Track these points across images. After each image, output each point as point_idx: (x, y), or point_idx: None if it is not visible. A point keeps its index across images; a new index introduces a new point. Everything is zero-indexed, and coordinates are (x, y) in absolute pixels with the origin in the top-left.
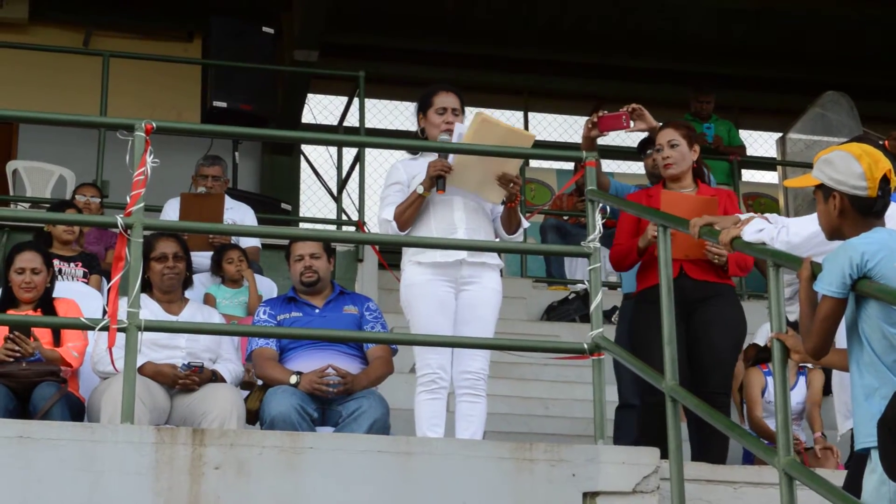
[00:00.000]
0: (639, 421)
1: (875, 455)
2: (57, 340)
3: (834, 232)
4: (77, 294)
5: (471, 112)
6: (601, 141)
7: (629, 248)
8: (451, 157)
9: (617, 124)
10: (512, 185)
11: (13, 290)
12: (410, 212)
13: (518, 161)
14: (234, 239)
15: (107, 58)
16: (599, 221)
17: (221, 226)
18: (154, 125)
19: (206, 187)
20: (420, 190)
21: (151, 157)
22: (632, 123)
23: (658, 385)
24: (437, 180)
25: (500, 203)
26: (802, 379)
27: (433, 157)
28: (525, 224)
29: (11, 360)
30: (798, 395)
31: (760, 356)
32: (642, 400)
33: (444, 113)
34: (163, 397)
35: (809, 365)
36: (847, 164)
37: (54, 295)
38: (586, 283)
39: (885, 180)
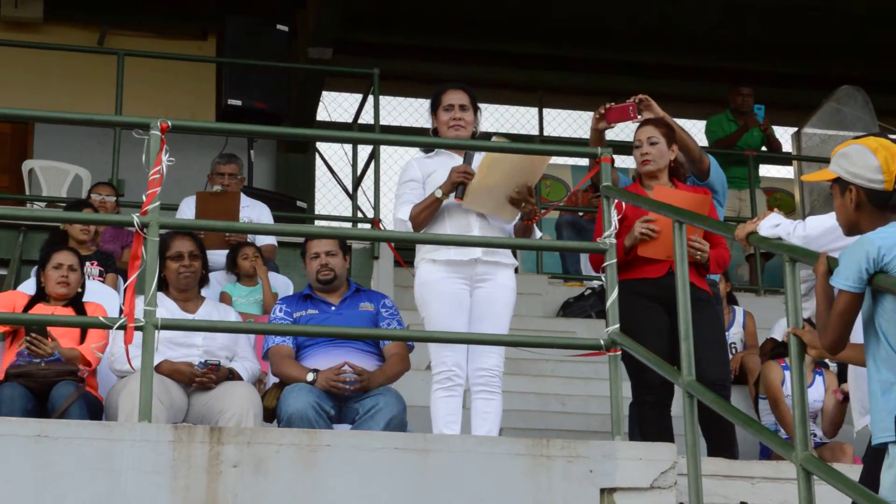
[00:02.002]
0: (637, 419)
1: (893, 450)
2: (83, 341)
3: (851, 226)
4: (93, 293)
5: (485, 108)
6: (611, 136)
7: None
8: (475, 161)
9: (624, 115)
10: (524, 204)
11: (47, 288)
12: (426, 214)
13: (535, 176)
14: (250, 237)
15: (121, 57)
16: (615, 217)
17: (238, 224)
18: (169, 124)
19: (223, 185)
20: (438, 194)
21: (167, 155)
22: (639, 115)
23: (675, 380)
24: (457, 187)
25: (517, 219)
26: (819, 378)
27: (447, 155)
28: (538, 234)
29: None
30: (815, 392)
31: (776, 350)
32: (639, 398)
33: (451, 109)
34: (180, 395)
35: (828, 363)
36: (863, 157)
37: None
38: (603, 278)
39: None
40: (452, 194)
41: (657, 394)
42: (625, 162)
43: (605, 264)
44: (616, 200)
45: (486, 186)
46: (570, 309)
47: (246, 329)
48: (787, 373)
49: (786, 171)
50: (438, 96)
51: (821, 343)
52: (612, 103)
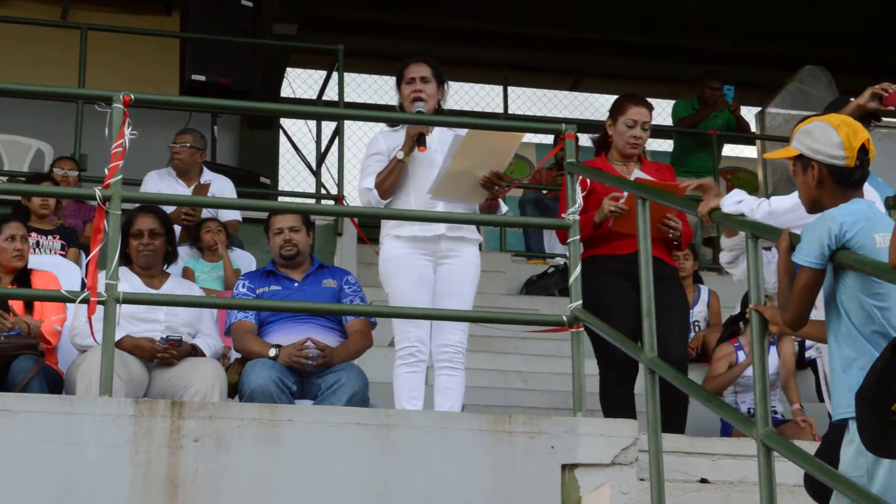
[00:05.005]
0: (600, 395)
1: (853, 426)
2: (29, 313)
3: (813, 203)
4: (55, 267)
5: (452, 84)
6: (574, 113)
7: (582, 222)
8: (444, 145)
9: None
10: (497, 188)
11: None
12: (391, 179)
13: (506, 160)
14: (213, 213)
15: (84, 31)
16: (579, 194)
17: (202, 198)
18: (132, 97)
19: (176, 155)
20: (400, 156)
21: (130, 129)
22: None
23: (637, 356)
24: (418, 138)
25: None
26: (773, 349)
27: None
28: (504, 209)
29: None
30: (770, 365)
31: (730, 329)
32: (603, 375)
33: (413, 82)
34: (140, 371)
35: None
36: (825, 133)
37: (33, 267)
38: (567, 256)
39: (863, 150)
40: (416, 149)
41: (621, 371)
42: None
43: (568, 241)
44: (580, 177)
45: (457, 173)
46: (533, 287)
47: (208, 303)
48: (741, 353)
49: (749, 151)
50: (402, 70)
51: (782, 319)
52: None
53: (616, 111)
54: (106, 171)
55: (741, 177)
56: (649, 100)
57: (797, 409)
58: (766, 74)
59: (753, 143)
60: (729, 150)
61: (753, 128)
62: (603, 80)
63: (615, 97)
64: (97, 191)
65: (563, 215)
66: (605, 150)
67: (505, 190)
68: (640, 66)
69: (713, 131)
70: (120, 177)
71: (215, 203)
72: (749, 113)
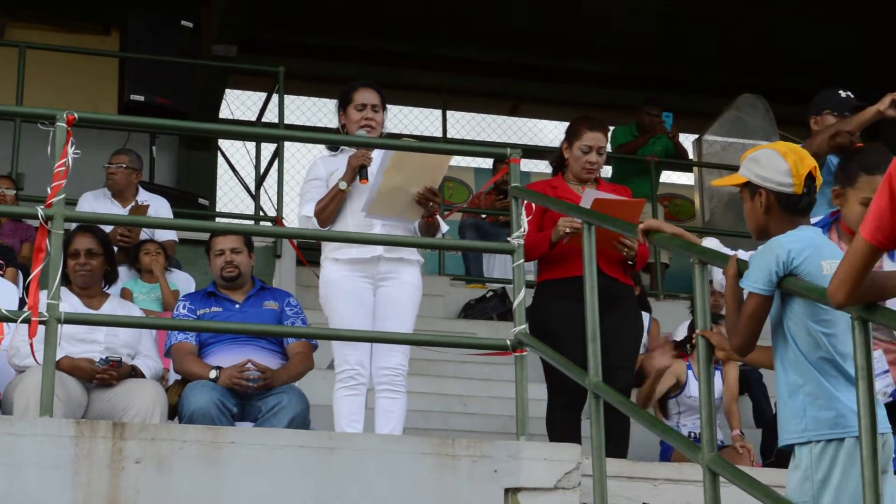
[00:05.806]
0: (546, 420)
1: (799, 451)
2: None
3: (760, 230)
4: None
5: (389, 109)
6: (521, 139)
7: (538, 240)
8: (374, 164)
9: None
10: (431, 203)
11: None
12: (331, 207)
13: (439, 176)
14: (150, 233)
15: (23, 49)
16: (524, 218)
17: (143, 218)
18: (76, 116)
19: (112, 176)
20: (342, 186)
21: (73, 148)
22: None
23: (581, 381)
24: (360, 170)
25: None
26: (718, 373)
27: (352, 152)
28: (444, 228)
29: None
30: (714, 389)
31: (676, 351)
32: (551, 400)
33: (364, 109)
34: (79, 392)
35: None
36: (773, 160)
37: None
38: (506, 281)
39: (810, 178)
40: (357, 179)
41: (570, 397)
42: (538, 166)
43: (514, 265)
44: (525, 201)
45: (389, 191)
46: (471, 311)
47: (149, 324)
48: (691, 372)
49: (687, 178)
50: (349, 93)
51: (729, 345)
52: None
53: (571, 135)
54: (48, 190)
55: (678, 203)
56: None
57: (737, 435)
58: (704, 102)
59: (691, 170)
60: (666, 176)
61: (691, 154)
62: (541, 106)
63: (553, 122)
64: (39, 210)
65: (509, 238)
66: (562, 171)
67: (438, 206)
68: (579, 92)
69: (651, 158)
70: (63, 196)
71: (156, 224)
72: (687, 140)
